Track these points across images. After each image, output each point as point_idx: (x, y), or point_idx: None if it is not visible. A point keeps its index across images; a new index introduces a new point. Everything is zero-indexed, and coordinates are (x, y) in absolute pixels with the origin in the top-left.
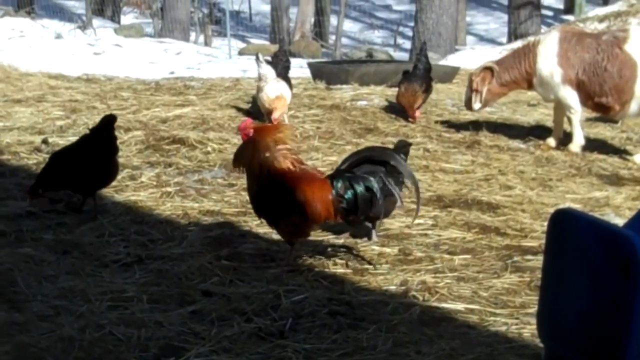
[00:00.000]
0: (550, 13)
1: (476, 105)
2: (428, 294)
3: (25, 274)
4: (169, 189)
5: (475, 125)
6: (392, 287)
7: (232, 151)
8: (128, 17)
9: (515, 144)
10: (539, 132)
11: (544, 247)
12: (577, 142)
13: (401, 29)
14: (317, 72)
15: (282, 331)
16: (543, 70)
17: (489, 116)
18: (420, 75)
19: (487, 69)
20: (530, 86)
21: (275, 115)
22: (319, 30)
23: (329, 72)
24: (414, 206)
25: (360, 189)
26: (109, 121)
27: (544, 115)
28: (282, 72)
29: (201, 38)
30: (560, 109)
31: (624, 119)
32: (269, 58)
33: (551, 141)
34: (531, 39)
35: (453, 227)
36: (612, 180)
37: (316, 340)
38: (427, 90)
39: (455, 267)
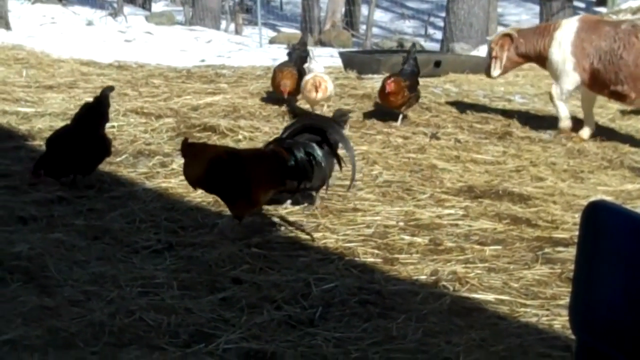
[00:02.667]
0: (582, 5)
1: (495, 72)
2: (458, 284)
3: (56, 259)
4: None
5: (507, 116)
6: (423, 277)
7: (263, 139)
8: (159, 5)
9: (547, 135)
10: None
11: (575, 239)
12: (565, 120)
13: (432, 19)
14: (349, 61)
15: (312, 319)
16: (554, 55)
17: (520, 107)
18: (406, 74)
19: (507, 35)
20: (541, 64)
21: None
22: (350, 20)
23: (360, 62)
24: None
25: (300, 154)
26: (104, 95)
27: (576, 107)
28: (297, 61)
29: (232, 26)
30: (587, 100)
31: None
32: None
33: (584, 133)
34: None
35: (484, 217)
36: None
37: (346, 328)
38: (411, 89)
39: (486, 257)
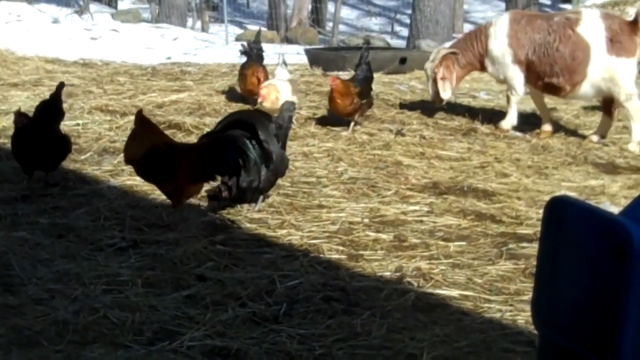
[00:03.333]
0: (547, 2)
1: (446, 94)
2: (423, 280)
3: (20, 258)
4: None
5: (472, 113)
6: (387, 273)
7: None
8: (125, 3)
9: (512, 132)
10: (535, 120)
11: (539, 235)
12: (509, 121)
13: (399, 16)
14: (314, 58)
15: (277, 316)
16: (494, 51)
17: (485, 104)
18: (358, 79)
19: (449, 54)
20: (483, 67)
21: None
22: (316, 17)
23: (325, 59)
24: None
25: (230, 150)
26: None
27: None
28: (257, 60)
29: (198, 24)
30: (536, 95)
31: (574, 99)
32: (245, 44)
33: (547, 127)
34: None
35: (448, 214)
36: (607, 168)
37: (310, 325)
38: (362, 95)
39: (450, 253)
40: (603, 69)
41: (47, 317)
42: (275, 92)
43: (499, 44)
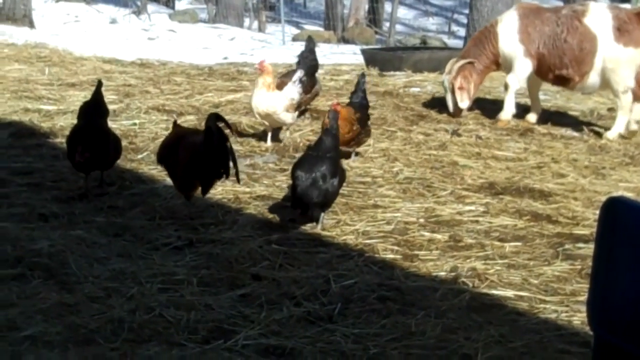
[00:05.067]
0: (605, 3)
1: (464, 103)
2: (478, 280)
3: (77, 256)
4: None
5: (528, 113)
6: (442, 273)
7: (283, 136)
8: (182, 3)
9: (569, 132)
10: (592, 120)
11: (595, 235)
12: (508, 112)
13: (456, 16)
14: (371, 58)
15: (331, 316)
16: (506, 49)
17: (542, 104)
18: (355, 106)
19: (466, 64)
20: (498, 66)
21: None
22: (373, 17)
23: (382, 59)
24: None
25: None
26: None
27: (598, 103)
28: (310, 70)
29: (255, 24)
30: (535, 85)
31: (583, 91)
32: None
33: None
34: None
35: (504, 214)
36: None
37: (365, 325)
38: (362, 122)
39: (506, 254)
40: (609, 58)
41: (103, 315)
42: (269, 94)
43: (510, 40)
